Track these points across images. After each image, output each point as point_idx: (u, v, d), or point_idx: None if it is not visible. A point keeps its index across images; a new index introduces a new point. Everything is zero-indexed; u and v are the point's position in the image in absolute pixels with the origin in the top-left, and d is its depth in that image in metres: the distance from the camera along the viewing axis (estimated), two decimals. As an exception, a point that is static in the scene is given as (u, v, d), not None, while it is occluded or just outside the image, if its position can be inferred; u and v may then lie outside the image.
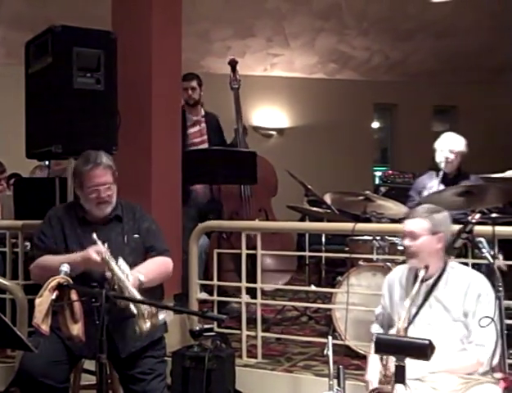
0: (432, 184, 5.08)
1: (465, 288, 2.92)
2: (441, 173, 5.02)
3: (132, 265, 3.10)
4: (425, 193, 5.04)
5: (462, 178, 5.03)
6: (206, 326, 3.68)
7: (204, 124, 5.57)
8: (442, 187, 4.92)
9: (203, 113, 5.62)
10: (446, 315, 2.93)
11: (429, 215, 2.99)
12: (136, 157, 4.37)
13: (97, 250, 2.98)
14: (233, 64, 5.58)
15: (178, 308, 3.45)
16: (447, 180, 4.98)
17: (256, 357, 4.31)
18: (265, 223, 4.96)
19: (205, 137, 5.56)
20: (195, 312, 3.82)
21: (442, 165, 5.04)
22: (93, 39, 3.92)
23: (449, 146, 5.04)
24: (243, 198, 5.42)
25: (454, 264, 3.07)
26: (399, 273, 3.18)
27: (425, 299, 2.97)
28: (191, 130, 5.56)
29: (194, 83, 5.49)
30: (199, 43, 8.59)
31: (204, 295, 4.64)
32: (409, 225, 3.05)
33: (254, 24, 8.79)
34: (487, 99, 9.99)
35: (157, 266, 3.27)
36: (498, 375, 2.83)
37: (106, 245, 3.03)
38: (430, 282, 2.99)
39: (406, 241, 3.04)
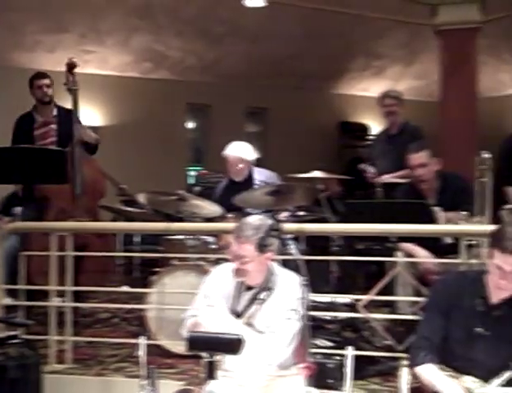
0: (217, 198, 5.30)
1: (286, 294, 2.98)
2: (228, 180, 5.29)
3: None
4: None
5: (251, 182, 5.25)
6: (11, 333, 3.50)
7: (54, 125, 5.44)
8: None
9: (54, 113, 5.48)
10: (267, 320, 2.95)
11: (257, 237, 2.93)
12: None
13: None
14: (71, 66, 5.45)
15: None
16: (236, 187, 5.16)
17: (65, 362, 4.19)
18: (75, 224, 4.80)
19: (54, 138, 5.41)
20: (-3, 318, 3.62)
21: (231, 175, 5.26)
22: None
23: (233, 156, 5.24)
24: (73, 197, 5.26)
25: (276, 270, 3.08)
26: (223, 273, 3.12)
27: (248, 305, 3.00)
28: (38, 132, 5.41)
29: (47, 81, 5.41)
30: (7, 36, 8.15)
31: (8, 301, 4.41)
32: (236, 249, 2.96)
33: (67, 19, 8.50)
34: (296, 103, 10.44)
35: None
36: (302, 365, 2.97)
37: None
38: (254, 291, 3.01)
39: (236, 264, 2.97)
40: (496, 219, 4.08)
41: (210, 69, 9.93)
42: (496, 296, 2.84)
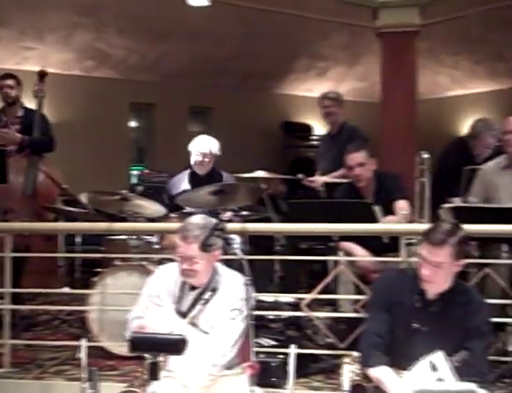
0: (185, 185, 5.24)
1: (230, 294, 2.99)
2: (189, 174, 5.22)
3: None
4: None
5: (215, 177, 5.22)
6: None
7: (17, 126, 5.47)
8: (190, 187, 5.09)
9: (20, 113, 5.54)
10: (211, 320, 2.96)
11: (203, 234, 2.91)
12: None
13: None
14: (42, 75, 5.60)
15: None
16: (199, 180, 5.14)
17: (3, 366, 4.09)
18: (13, 225, 4.70)
19: None
20: None
21: (196, 168, 5.24)
22: None
23: (201, 149, 5.23)
24: (22, 197, 5.23)
25: (220, 270, 3.09)
26: (167, 273, 3.11)
27: (192, 305, 2.99)
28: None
29: (10, 82, 5.47)
30: None
31: None
32: (184, 251, 2.94)
33: (5, 14, 8.28)
34: (239, 102, 10.45)
35: None
36: (245, 364, 2.97)
37: None
38: (198, 290, 3.01)
39: (185, 266, 2.95)
40: (434, 218, 4.20)
41: (154, 67, 9.85)
42: (430, 292, 2.92)
